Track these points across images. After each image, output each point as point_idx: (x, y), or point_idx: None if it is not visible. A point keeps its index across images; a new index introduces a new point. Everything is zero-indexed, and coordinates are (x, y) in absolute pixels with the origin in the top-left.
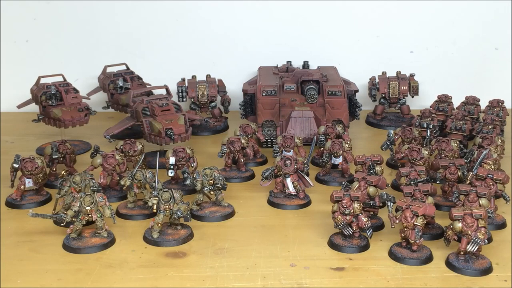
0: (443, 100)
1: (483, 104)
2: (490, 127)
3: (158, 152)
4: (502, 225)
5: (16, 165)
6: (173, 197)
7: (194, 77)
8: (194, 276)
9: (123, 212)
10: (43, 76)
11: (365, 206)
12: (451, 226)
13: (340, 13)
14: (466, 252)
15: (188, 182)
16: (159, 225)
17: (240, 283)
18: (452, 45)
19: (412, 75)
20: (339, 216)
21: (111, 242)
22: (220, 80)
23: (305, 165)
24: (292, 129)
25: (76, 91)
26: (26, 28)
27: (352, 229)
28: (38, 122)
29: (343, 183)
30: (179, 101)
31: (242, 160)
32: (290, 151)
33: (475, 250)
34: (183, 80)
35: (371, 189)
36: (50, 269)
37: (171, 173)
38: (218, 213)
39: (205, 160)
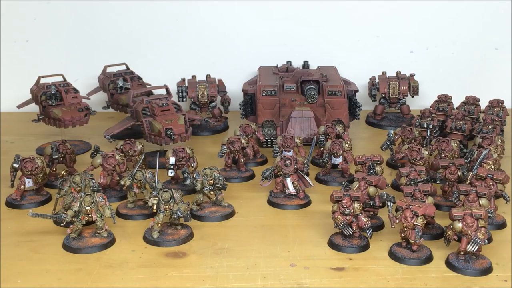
0: (443, 100)
1: (483, 104)
2: (490, 127)
3: (158, 152)
4: (502, 225)
5: (16, 165)
6: (173, 197)
7: (194, 77)
8: (194, 276)
9: (123, 212)
10: (43, 76)
11: (365, 206)
12: (451, 226)
13: (340, 13)
14: (466, 252)
15: (188, 182)
16: (159, 225)
17: (240, 283)
18: (452, 45)
19: (412, 75)
20: (339, 216)
21: (111, 242)
22: (220, 80)
23: (305, 165)
24: (292, 129)
25: (76, 91)
26: (26, 28)
27: (352, 229)
28: (38, 122)
29: (343, 183)
30: (179, 101)
31: (242, 160)
32: (290, 151)
33: (475, 250)
34: (183, 80)
35: (371, 189)
36: (50, 269)
37: (171, 173)
38: (218, 213)
39: (205, 160)
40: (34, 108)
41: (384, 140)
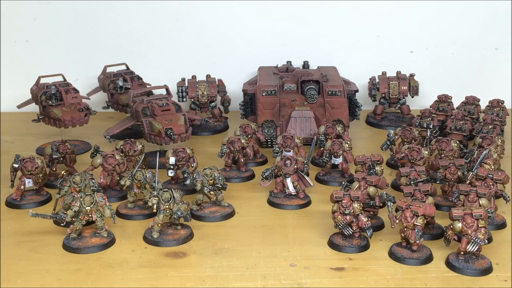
0: (443, 100)
1: (483, 104)
2: (490, 127)
3: (158, 152)
4: (502, 225)
5: (16, 165)
6: (173, 197)
7: (194, 77)
8: (194, 276)
9: (123, 212)
10: (43, 76)
11: (365, 206)
12: (451, 226)
13: (340, 13)
14: (466, 252)
15: (188, 182)
16: (159, 225)
17: (240, 283)
18: (452, 45)
19: (412, 75)
20: (339, 216)
21: (111, 242)
22: (220, 80)
23: (305, 165)
24: (292, 129)
25: (76, 91)
26: (26, 28)
27: (352, 229)
28: (38, 122)
29: (343, 183)
30: (179, 101)
31: (242, 160)
32: (290, 151)
33: (475, 250)
34: (183, 80)
35: (371, 189)
36: (50, 269)
37: (171, 173)
38: (218, 213)
39: (205, 160)
40: (34, 108)
41: (384, 140)
